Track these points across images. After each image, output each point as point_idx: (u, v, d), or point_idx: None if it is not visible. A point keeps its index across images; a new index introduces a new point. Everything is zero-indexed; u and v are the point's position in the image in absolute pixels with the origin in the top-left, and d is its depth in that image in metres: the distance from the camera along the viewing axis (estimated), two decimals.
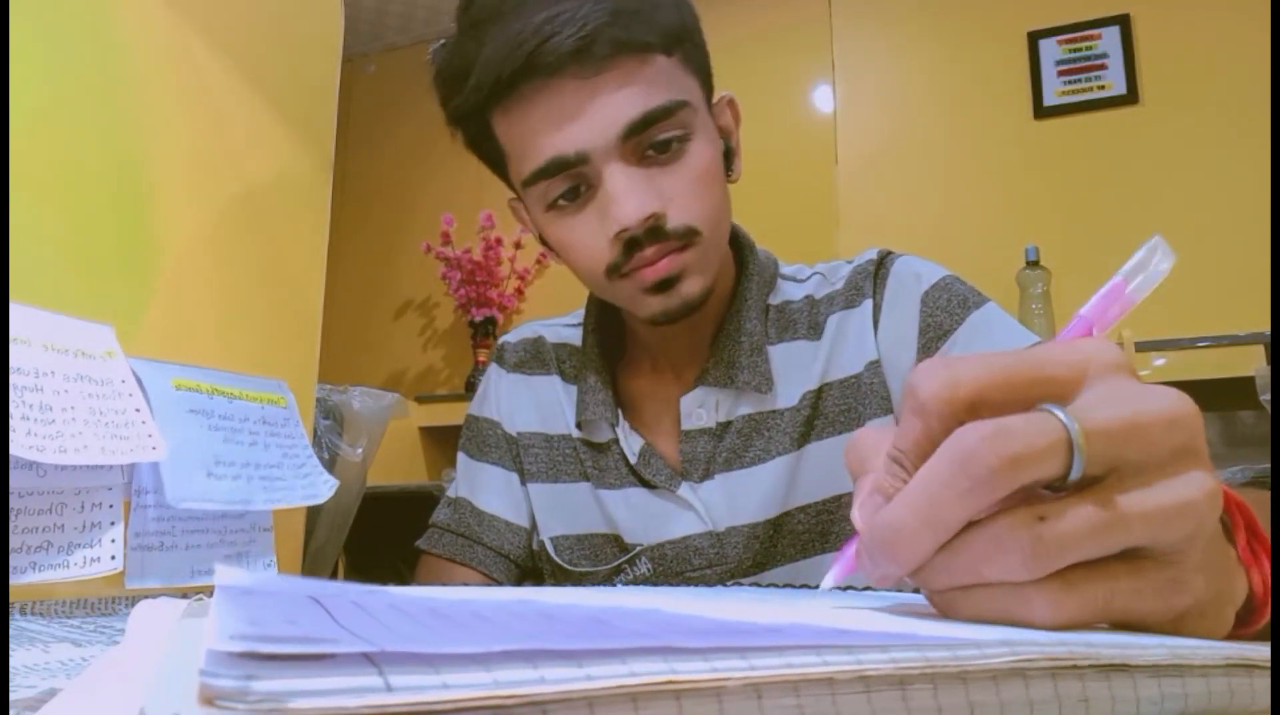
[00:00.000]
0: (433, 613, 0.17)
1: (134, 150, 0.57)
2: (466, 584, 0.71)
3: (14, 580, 0.44)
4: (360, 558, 1.50)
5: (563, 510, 0.72)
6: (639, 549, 0.68)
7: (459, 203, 2.66)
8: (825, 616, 0.26)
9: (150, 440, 0.51)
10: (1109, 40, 2.19)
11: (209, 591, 0.52)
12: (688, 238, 0.59)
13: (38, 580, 0.45)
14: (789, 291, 0.71)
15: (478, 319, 2.59)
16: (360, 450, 0.86)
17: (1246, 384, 1.56)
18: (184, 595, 0.43)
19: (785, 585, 0.57)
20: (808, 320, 0.69)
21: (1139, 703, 0.18)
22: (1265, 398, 1.47)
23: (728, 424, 0.66)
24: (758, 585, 0.64)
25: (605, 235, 0.59)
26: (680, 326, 0.65)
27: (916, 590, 0.27)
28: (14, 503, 0.45)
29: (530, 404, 0.76)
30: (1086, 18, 2.21)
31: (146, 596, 0.33)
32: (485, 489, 0.75)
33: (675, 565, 0.66)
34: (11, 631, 0.38)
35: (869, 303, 0.67)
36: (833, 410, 0.66)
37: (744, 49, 2.50)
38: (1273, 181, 1.87)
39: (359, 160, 2.93)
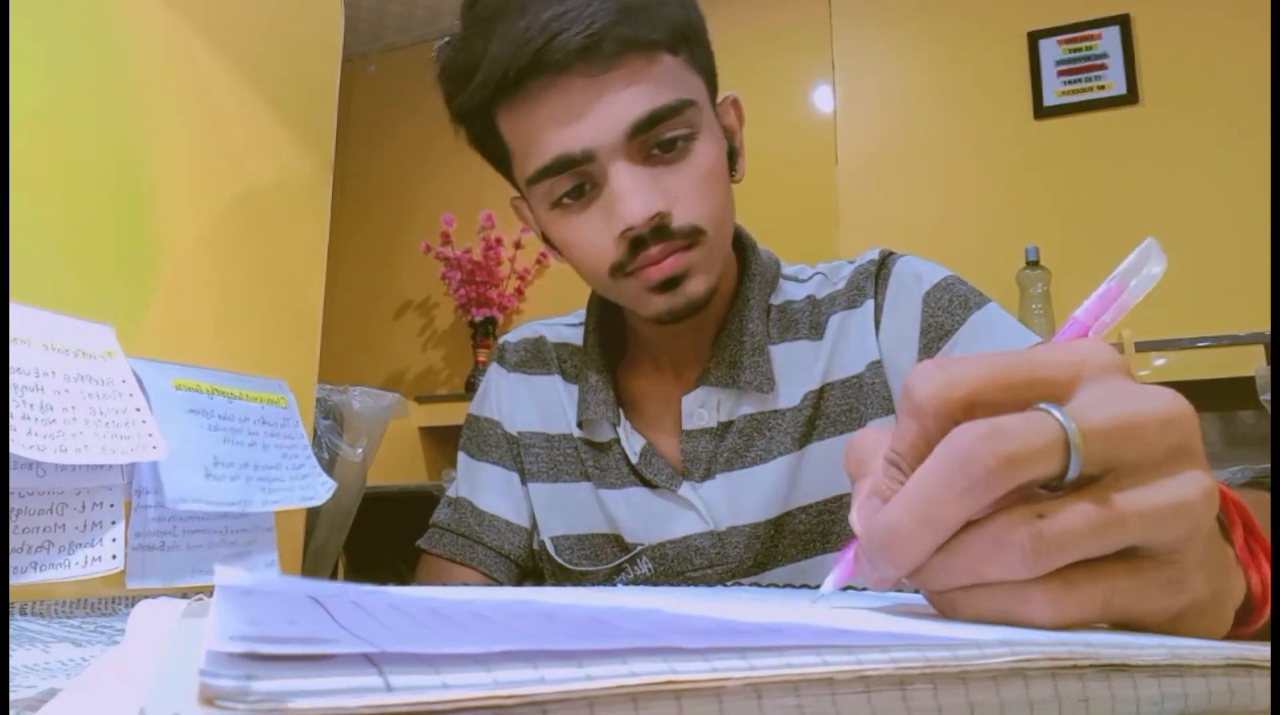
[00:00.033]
0: (433, 613, 0.17)
1: (134, 150, 0.57)
2: (467, 584, 0.71)
3: (15, 580, 0.44)
4: (360, 558, 1.50)
5: (563, 510, 0.72)
6: (640, 549, 0.68)
7: (459, 203, 2.66)
8: (825, 616, 0.26)
9: (151, 440, 0.51)
10: (1109, 40, 2.19)
11: (209, 591, 0.52)
12: (693, 237, 0.59)
13: (39, 580, 0.45)
14: (791, 291, 0.71)
15: (478, 319, 2.59)
16: (360, 450, 0.86)
17: (1246, 384, 1.56)
18: (184, 595, 0.43)
19: (786, 585, 0.57)
20: (809, 320, 0.69)
21: (1139, 703, 0.18)
22: (1265, 398, 1.47)
23: (729, 424, 0.66)
24: (758, 585, 0.64)
25: (610, 234, 0.59)
26: (683, 326, 0.65)
27: (916, 591, 0.27)
28: (15, 502, 0.45)
29: (531, 404, 0.76)
30: (1086, 18, 2.21)
31: (147, 596, 0.33)
32: (486, 489, 0.75)
33: (676, 565, 0.66)
34: (11, 631, 0.38)
35: (870, 303, 0.67)
36: (834, 410, 0.66)
37: (744, 49, 2.50)
38: (1273, 181, 1.87)
39: (359, 160, 2.93)
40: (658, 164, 0.58)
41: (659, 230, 0.58)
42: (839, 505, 0.64)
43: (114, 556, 0.49)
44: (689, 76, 0.60)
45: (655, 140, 0.58)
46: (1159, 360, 1.83)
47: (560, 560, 0.71)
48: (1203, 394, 1.73)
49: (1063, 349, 0.25)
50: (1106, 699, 0.18)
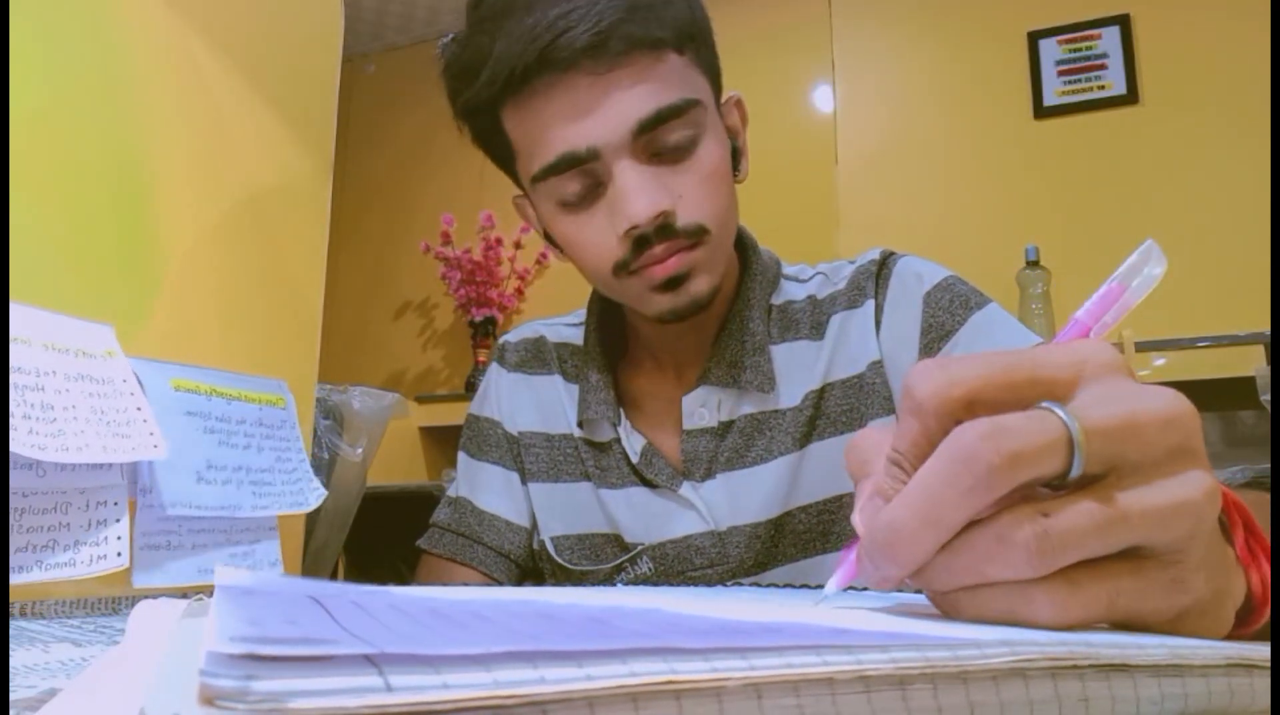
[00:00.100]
0: (433, 613, 0.17)
1: (134, 150, 0.57)
2: (467, 584, 0.71)
3: (20, 578, 0.44)
4: (360, 558, 1.51)
5: (564, 510, 0.72)
6: (640, 548, 0.68)
7: (459, 203, 2.66)
8: (825, 616, 0.26)
9: (152, 438, 0.51)
10: (1109, 40, 2.19)
11: (209, 591, 0.52)
12: (697, 236, 0.59)
13: (44, 578, 0.45)
14: (791, 291, 0.71)
15: (478, 319, 2.59)
16: (360, 450, 0.86)
17: (1246, 384, 1.56)
18: (184, 595, 0.43)
19: (786, 585, 0.57)
20: (810, 320, 0.69)
21: (1139, 703, 0.18)
22: (1265, 398, 1.47)
23: (730, 423, 0.66)
24: (759, 585, 0.64)
25: (615, 232, 0.59)
26: (684, 325, 0.65)
27: (919, 591, 0.27)
28: (19, 502, 0.45)
29: (531, 403, 0.76)
30: (1086, 18, 2.21)
31: (151, 596, 0.33)
32: (485, 489, 0.75)
33: (676, 565, 0.66)
34: (11, 631, 0.38)
35: (871, 303, 0.67)
36: (835, 410, 0.66)
37: (744, 49, 2.50)
38: (1273, 181, 1.87)
39: (359, 160, 2.93)
40: (663, 163, 0.58)
41: (663, 229, 0.58)
42: (839, 505, 0.64)
43: (119, 555, 0.49)
44: (694, 76, 0.60)
45: (661, 139, 0.58)
46: (1159, 360, 1.83)
47: (560, 560, 0.71)
48: (1203, 394, 1.73)
49: (1064, 349, 0.25)
50: (1106, 699, 0.18)
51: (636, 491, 0.68)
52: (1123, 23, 2.18)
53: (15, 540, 0.44)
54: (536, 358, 0.77)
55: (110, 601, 0.49)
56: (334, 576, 1.10)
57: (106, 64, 0.55)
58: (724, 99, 0.65)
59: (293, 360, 0.69)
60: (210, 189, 0.63)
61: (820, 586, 0.30)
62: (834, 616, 0.26)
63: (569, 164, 0.58)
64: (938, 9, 2.36)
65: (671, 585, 0.66)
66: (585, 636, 0.15)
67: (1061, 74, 2.21)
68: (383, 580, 0.44)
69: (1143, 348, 1.78)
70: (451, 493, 0.77)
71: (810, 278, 0.72)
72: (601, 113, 0.56)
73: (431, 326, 2.85)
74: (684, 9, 0.59)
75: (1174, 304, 1.77)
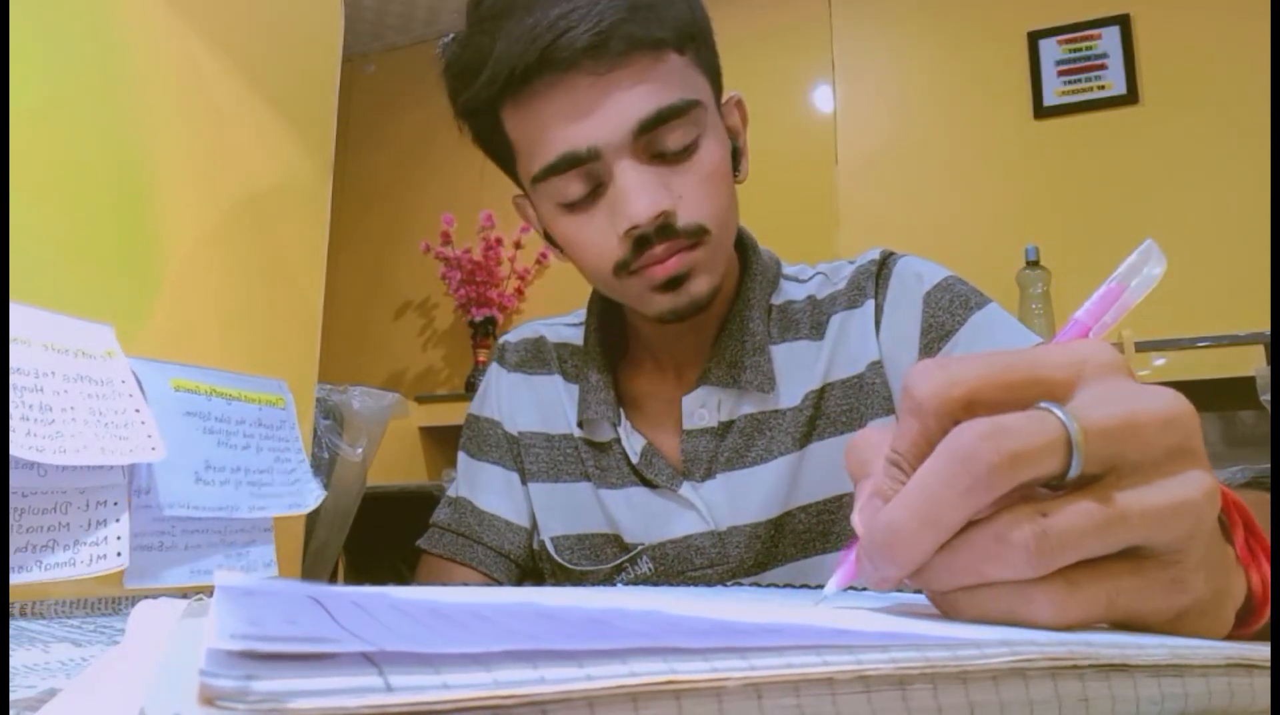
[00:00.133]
0: (433, 613, 0.17)
1: (134, 150, 0.57)
2: (466, 584, 0.71)
3: (20, 578, 0.44)
4: (360, 558, 1.51)
5: (564, 510, 0.72)
6: (640, 548, 0.68)
7: (459, 203, 2.66)
8: (825, 616, 0.26)
9: (150, 441, 0.51)
10: (1109, 40, 2.19)
11: (209, 591, 0.52)
12: (697, 236, 0.59)
13: (44, 578, 0.45)
14: (791, 291, 0.71)
15: (478, 319, 2.59)
16: (360, 450, 0.86)
17: (1246, 384, 1.56)
18: (184, 595, 0.43)
19: (786, 585, 0.57)
20: (810, 320, 0.69)
21: (1139, 702, 0.18)
22: (1265, 398, 1.47)
23: (730, 423, 0.66)
24: (759, 585, 0.64)
25: (615, 232, 0.59)
26: (684, 326, 0.65)
27: (918, 591, 0.27)
28: (18, 502, 0.45)
29: (531, 403, 0.76)
30: (1086, 18, 2.21)
31: (146, 596, 0.33)
32: (485, 489, 0.75)
33: (676, 565, 0.66)
34: (11, 631, 0.38)
35: (871, 303, 0.67)
36: (835, 410, 0.66)
37: (744, 49, 2.50)
38: (1273, 181, 1.87)
39: (359, 160, 2.93)
40: (663, 163, 0.58)
41: (664, 229, 0.58)
42: (839, 505, 0.64)
43: (119, 554, 0.49)
44: (695, 76, 0.60)
45: (661, 139, 0.58)
46: (1159, 360, 1.83)
47: (560, 560, 0.71)
48: (1203, 394, 1.73)
49: (1063, 349, 0.25)
50: (1106, 699, 0.18)
51: (636, 491, 0.68)
52: (1123, 23, 2.18)
53: (15, 540, 0.44)
54: (536, 358, 0.77)
55: (110, 601, 0.49)
56: (334, 577, 1.10)
57: (106, 64, 0.55)
58: (724, 99, 0.65)
59: (293, 360, 0.69)
60: (210, 189, 0.63)
61: (820, 587, 0.30)
62: (834, 616, 0.26)
63: (569, 164, 0.58)
64: (938, 9, 2.36)
65: (671, 585, 0.66)
66: (585, 636, 0.15)
67: (1061, 74, 2.21)
68: (383, 580, 0.44)
69: (1143, 348, 1.78)
70: (451, 493, 0.77)
71: (810, 278, 0.72)
72: (602, 113, 0.56)
73: (431, 326, 2.85)
74: (684, 9, 0.59)
75: (1174, 304, 1.77)
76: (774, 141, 2.40)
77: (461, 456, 0.78)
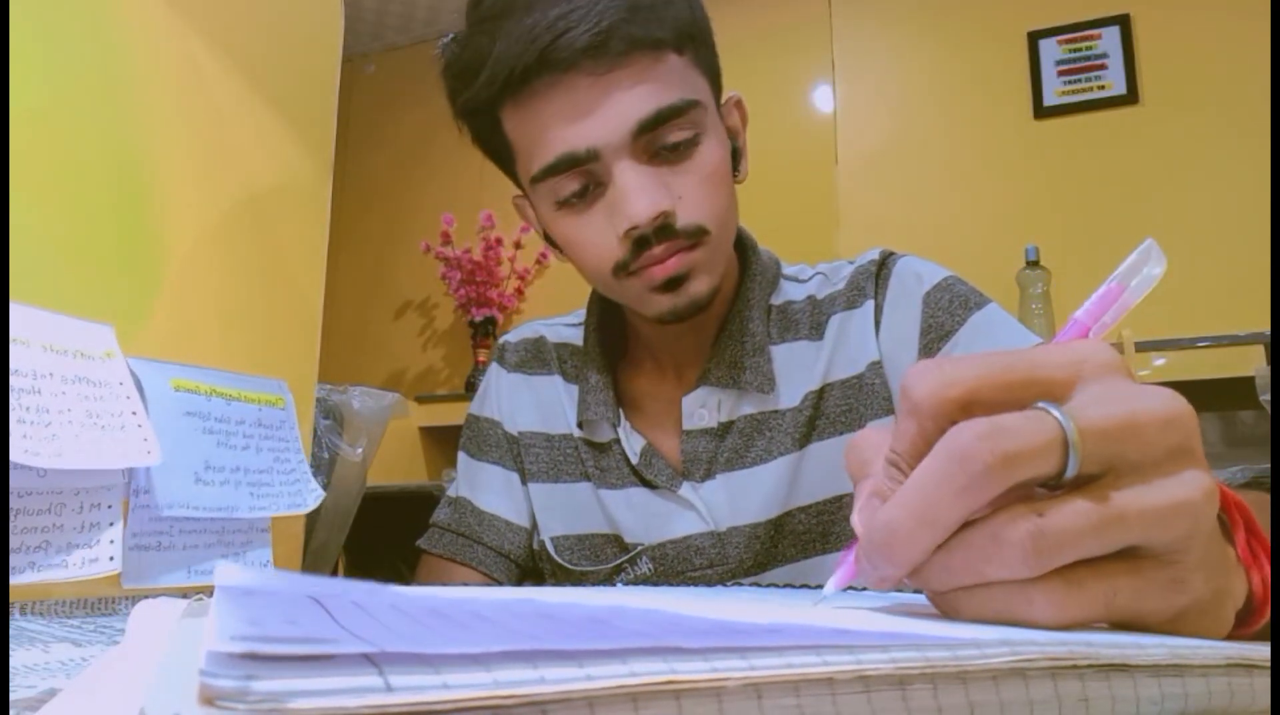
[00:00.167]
0: (433, 613, 0.17)
1: (134, 150, 0.57)
2: (466, 584, 0.71)
3: (13, 580, 0.44)
4: (360, 558, 1.50)
5: (564, 510, 0.72)
6: (640, 549, 0.68)
7: (459, 203, 2.66)
8: (825, 616, 0.26)
9: (145, 445, 0.51)
10: (1109, 40, 2.19)
11: (208, 591, 0.52)
12: (697, 237, 0.59)
13: (36, 580, 0.45)
14: (791, 292, 0.71)
15: (478, 319, 2.59)
16: (360, 450, 0.86)
17: (1246, 384, 1.56)
18: (183, 595, 0.43)
19: (786, 585, 0.57)
20: (810, 320, 0.69)
21: (1139, 702, 0.18)
22: (1265, 398, 1.47)
23: (729, 424, 0.66)
24: (758, 585, 0.64)
25: (614, 233, 0.58)
26: (684, 326, 0.65)
27: (918, 591, 0.27)
28: (14, 503, 0.45)
29: (531, 403, 0.76)
30: (1086, 18, 2.21)
31: (144, 596, 0.33)
32: (485, 489, 0.75)
33: (676, 565, 0.66)
34: (11, 631, 0.38)
35: (871, 303, 0.67)
36: (834, 410, 0.66)
37: (744, 49, 2.50)
38: (1273, 181, 1.87)
39: (359, 160, 2.93)
40: (662, 164, 0.58)
41: (663, 230, 0.58)
42: (839, 505, 0.64)
43: (111, 558, 0.49)
44: (694, 77, 0.60)
45: (660, 140, 0.58)
46: (1159, 360, 1.83)
47: (560, 560, 0.71)
48: (1203, 394, 1.73)
49: (1062, 349, 0.25)
50: (1106, 699, 0.18)
51: (636, 492, 0.68)
52: (1123, 23, 2.18)
53: (10, 541, 0.44)
54: (536, 358, 0.77)
55: (110, 601, 0.49)
56: (334, 577, 1.10)
57: (106, 64, 0.55)
58: (724, 99, 0.65)
59: (293, 360, 0.69)
60: (210, 189, 0.63)
61: (820, 587, 0.30)
62: (834, 616, 0.26)
63: (568, 164, 0.58)
64: (938, 9, 2.36)
65: (671, 585, 0.66)
66: (585, 636, 0.15)
67: (1061, 74, 2.21)
68: (383, 580, 0.44)
69: (1143, 348, 1.78)
70: (451, 493, 0.77)
71: (810, 278, 0.72)
72: (601, 113, 0.56)
73: (431, 326, 2.85)
74: (684, 9, 0.59)
75: (1174, 304, 1.77)
76: (774, 141, 2.40)
77: (461, 456, 0.78)
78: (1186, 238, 1.98)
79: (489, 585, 0.71)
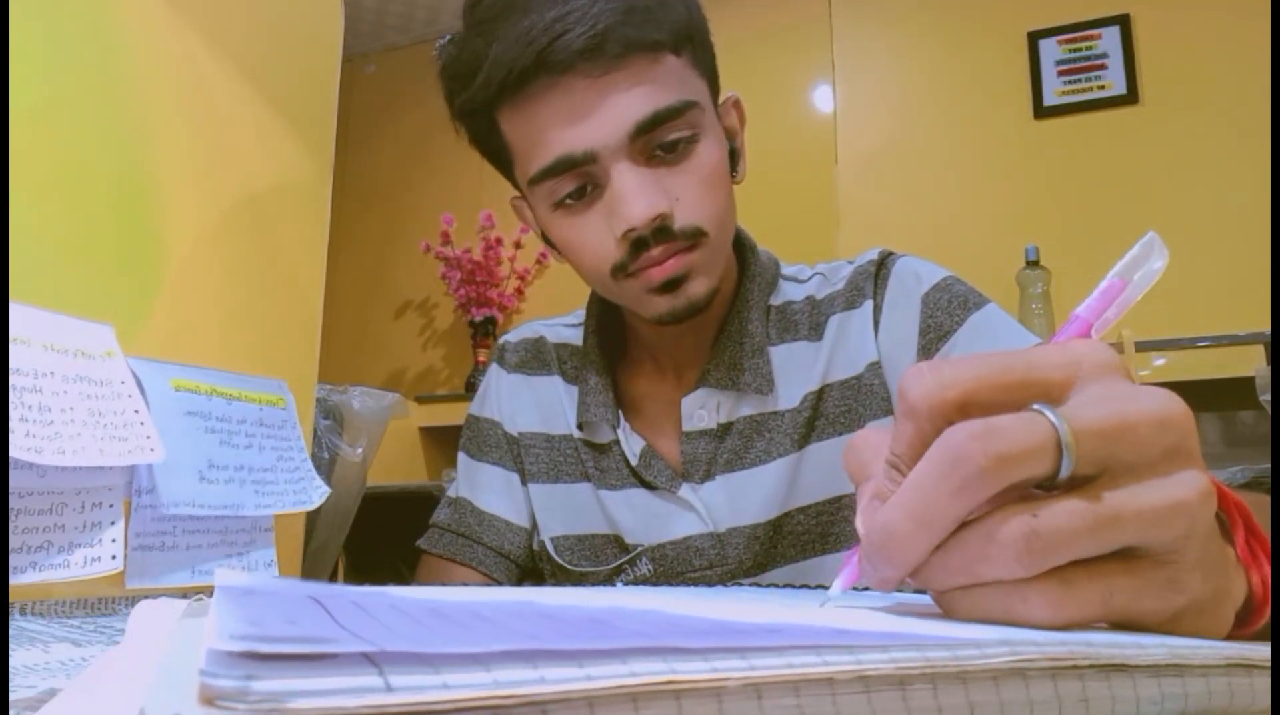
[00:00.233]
0: (433, 613, 0.17)
1: (134, 150, 0.57)
2: (466, 584, 0.71)
3: (14, 580, 0.44)
4: (360, 558, 1.50)
5: (563, 510, 0.72)
6: (640, 549, 0.68)
7: (459, 203, 2.66)
8: (825, 616, 0.26)
9: (148, 442, 0.51)
10: (1109, 40, 2.19)
11: (209, 591, 0.52)
12: (695, 238, 0.59)
13: (38, 580, 0.45)
14: (790, 292, 0.71)
15: (478, 319, 2.59)
16: (360, 450, 0.86)
17: (1246, 384, 1.56)
18: (184, 595, 0.43)
19: (786, 586, 0.57)
20: (809, 321, 0.69)
21: (1139, 702, 0.18)
22: (1265, 398, 1.47)
23: (729, 425, 0.66)
24: (758, 586, 0.64)
25: (612, 234, 0.58)
26: (683, 327, 0.65)
27: (919, 591, 0.27)
28: (14, 502, 0.45)
29: (531, 404, 0.76)
30: (1086, 18, 2.21)
31: (146, 596, 0.33)
32: (485, 489, 0.75)
33: (676, 566, 0.66)
34: (11, 631, 0.38)
35: (869, 304, 0.67)
36: (833, 411, 0.66)
37: (744, 49, 2.50)
38: (1273, 181, 1.87)
39: (359, 160, 2.93)
40: (660, 165, 0.58)
41: (661, 231, 0.58)
42: (838, 506, 0.64)
43: (113, 557, 0.49)
44: (692, 77, 0.60)
45: (658, 141, 0.58)
46: (1159, 360, 1.83)
47: (560, 561, 0.71)
48: (1203, 394, 1.73)
49: (1059, 349, 0.25)
50: (1106, 699, 0.18)
51: (636, 493, 0.68)
52: (1123, 23, 2.18)
53: (11, 540, 0.44)
54: (536, 358, 0.77)
55: (110, 601, 0.49)
56: (334, 576, 1.10)
57: (106, 64, 0.55)
58: (722, 100, 0.65)
59: (293, 360, 0.69)
60: (210, 189, 0.63)
61: (820, 586, 0.30)
62: (834, 616, 0.26)
63: (566, 167, 0.58)
64: (938, 9, 2.36)
65: (671, 586, 0.66)
66: (585, 636, 0.15)
67: (1061, 74, 2.22)
68: (383, 580, 0.44)
69: (1143, 348, 1.78)
70: (451, 493, 0.77)
71: (809, 278, 0.72)
72: (598, 115, 0.56)
73: (431, 326, 2.85)
74: (681, 10, 0.59)
75: (1174, 304, 1.77)
76: (774, 141, 2.40)
77: (461, 457, 0.78)
78: (1187, 238, 1.98)
79: (489, 585, 0.71)
